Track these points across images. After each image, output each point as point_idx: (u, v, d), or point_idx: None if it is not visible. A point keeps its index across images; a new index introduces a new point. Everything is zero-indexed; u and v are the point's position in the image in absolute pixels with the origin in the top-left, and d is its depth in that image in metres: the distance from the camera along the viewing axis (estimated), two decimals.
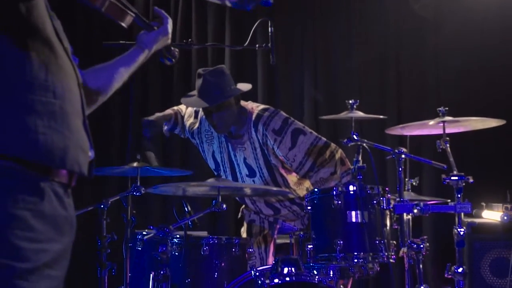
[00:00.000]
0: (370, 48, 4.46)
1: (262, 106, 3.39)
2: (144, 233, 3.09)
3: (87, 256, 3.65)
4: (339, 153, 3.31)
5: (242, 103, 3.38)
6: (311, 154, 3.26)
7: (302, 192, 3.44)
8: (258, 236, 3.55)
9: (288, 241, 3.22)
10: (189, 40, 2.91)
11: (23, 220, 1.13)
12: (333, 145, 3.32)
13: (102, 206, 3.11)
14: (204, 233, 3.26)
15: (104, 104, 4.85)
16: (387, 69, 4.48)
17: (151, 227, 2.82)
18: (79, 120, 1.29)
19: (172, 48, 1.97)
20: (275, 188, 3.28)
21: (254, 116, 3.31)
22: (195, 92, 3.31)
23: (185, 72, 4.64)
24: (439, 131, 3.02)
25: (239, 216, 3.70)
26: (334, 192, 2.80)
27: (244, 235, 3.59)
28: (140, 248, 3.09)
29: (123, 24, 1.67)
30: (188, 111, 3.58)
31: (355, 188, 2.79)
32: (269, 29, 3.05)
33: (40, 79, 1.19)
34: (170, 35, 1.86)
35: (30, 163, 1.15)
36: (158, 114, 3.46)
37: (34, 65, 1.18)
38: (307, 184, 3.41)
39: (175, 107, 3.61)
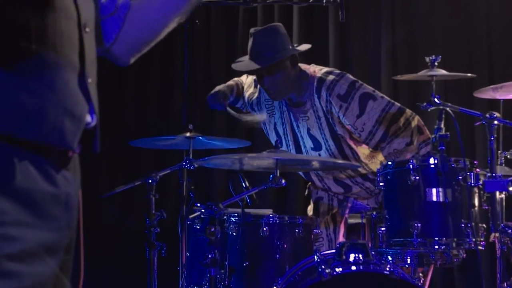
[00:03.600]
0: None
1: (325, 69, 3.05)
2: (203, 210, 2.85)
3: (134, 235, 3.46)
4: (416, 120, 2.94)
5: (304, 66, 3.06)
6: (383, 122, 2.90)
7: (375, 166, 3.09)
8: (326, 215, 3.26)
9: (360, 221, 2.90)
10: None
11: None
12: (408, 111, 2.95)
13: (150, 181, 2.85)
14: (269, 211, 3.02)
15: (164, 75, 4.60)
16: (475, 19, 3.97)
17: (197, 204, 2.57)
18: (70, 74, 0.96)
19: None
20: (341, 161, 2.93)
21: (316, 80, 2.99)
22: (247, 56, 3.02)
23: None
24: None
25: (306, 193, 3.40)
26: (411, 166, 2.44)
27: (310, 214, 3.30)
28: (198, 226, 2.88)
29: None
30: (248, 81, 3.33)
31: (436, 161, 2.41)
32: None
33: (9, 8, 0.87)
34: None
35: None
36: (218, 87, 3.22)
37: None
38: (381, 157, 3.08)
39: (236, 78, 3.36)
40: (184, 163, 2.88)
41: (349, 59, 4.13)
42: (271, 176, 2.54)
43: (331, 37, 4.14)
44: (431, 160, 2.42)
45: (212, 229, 2.40)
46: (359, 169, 3.12)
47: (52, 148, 0.93)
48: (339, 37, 4.15)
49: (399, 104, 2.97)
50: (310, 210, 3.33)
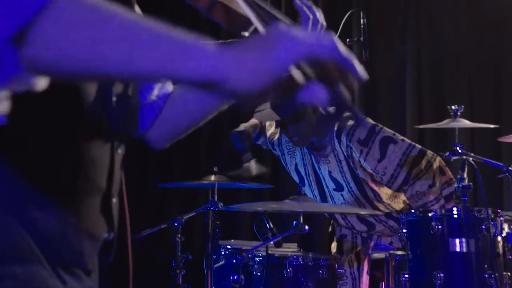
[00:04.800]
0: (483, 43, 3.93)
1: (345, 113, 3.02)
2: (228, 247, 2.87)
3: (160, 278, 3.47)
4: (437, 161, 2.90)
5: None
6: (405, 165, 2.87)
7: (398, 205, 3.09)
8: (350, 253, 3.23)
9: (384, 256, 2.91)
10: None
11: None
12: (429, 153, 2.92)
13: (176, 223, 2.89)
14: (293, 246, 3.01)
15: None
16: (503, 66, 3.92)
17: (221, 252, 2.58)
18: (96, 197, 0.94)
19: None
20: (365, 211, 2.92)
21: (336, 125, 2.97)
22: (268, 104, 3.02)
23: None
24: None
25: (330, 229, 3.39)
26: (434, 215, 2.42)
27: (334, 251, 3.28)
28: (223, 262, 2.87)
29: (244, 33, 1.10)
30: None
31: (459, 211, 2.41)
32: (361, 20, 2.83)
33: (45, 139, 0.86)
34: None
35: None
36: (244, 124, 3.22)
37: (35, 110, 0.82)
38: (403, 196, 3.04)
39: None
40: (209, 205, 2.91)
41: (373, 99, 4.10)
42: (294, 222, 2.56)
43: None
44: (454, 211, 2.42)
45: (236, 278, 2.43)
46: (381, 207, 3.12)
47: (69, 268, 0.92)
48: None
49: (419, 146, 2.94)
50: (334, 247, 3.31)
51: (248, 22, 1.06)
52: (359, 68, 0.77)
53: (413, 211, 2.57)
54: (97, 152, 0.92)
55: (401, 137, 2.98)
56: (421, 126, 2.86)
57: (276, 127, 3.25)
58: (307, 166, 3.16)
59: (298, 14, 1.38)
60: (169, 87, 1.20)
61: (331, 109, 0.77)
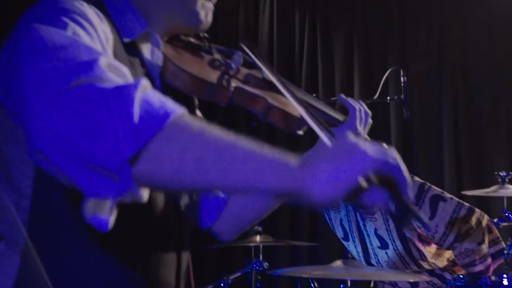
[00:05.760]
0: None
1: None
2: None
3: None
4: (485, 219, 2.90)
5: None
6: (456, 223, 2.88)
7: (442, 263, 3.07)
8: None
9: None
10: (313, 95, 2.75)
11: None
12: (478, 210, 2.92)
13: (222, 284, 2.91)
14: None
15: None
16: None
17: None
18: None
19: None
20: (413, 279, 2.91)
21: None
22: None
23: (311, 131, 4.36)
24: None
25: (372, 285, 3.37)
26: (484, 282, 2.42)
27: None
28: None
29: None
30: None
31: (509, 278, 2.41)
32: (402, 78, 2.85)
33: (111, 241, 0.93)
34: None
35: None
36: None
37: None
38: (447, 254, 3.03)
39: None
40: (254, 265, 2.94)
41: (412, 157, 4.08)
42: (342, 286, 2.57)
43: (393, 133, 4.11)
44: (504, 278, 2.41)
45: None
46: (425, 266, 3.11)
47: None
48: (402, 134, 4.10)
49: (468, 204, 2.94)
50: None
51: (302, 122, 1.15)
52: (409, 186, 0.86)
53: (461, 276, 2.57)
54: (165, 254, 1.02)
55: (449, 195, 2.98)
56: (468, 193, 2.85)
57: None
58: (351, 223, 3.17)
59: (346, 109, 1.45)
60: None
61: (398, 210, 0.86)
